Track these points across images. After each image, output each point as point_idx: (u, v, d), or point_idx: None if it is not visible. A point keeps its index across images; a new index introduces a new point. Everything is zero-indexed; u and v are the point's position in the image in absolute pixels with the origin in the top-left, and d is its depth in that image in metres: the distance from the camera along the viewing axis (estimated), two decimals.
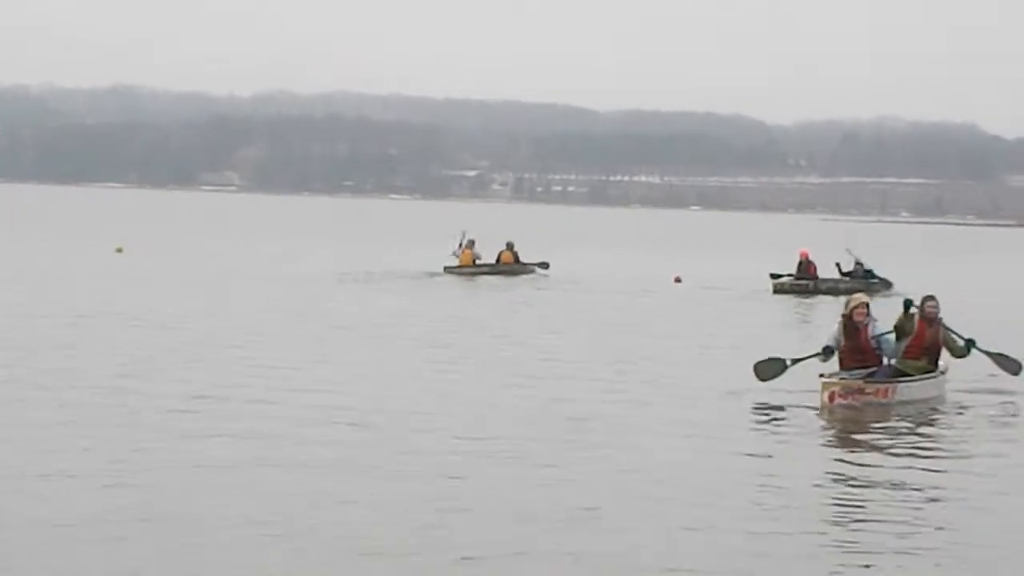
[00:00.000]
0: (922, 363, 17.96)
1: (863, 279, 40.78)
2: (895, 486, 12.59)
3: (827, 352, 17.59)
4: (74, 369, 18.93)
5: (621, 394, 17.96)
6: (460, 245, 45.94)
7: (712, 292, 39.64)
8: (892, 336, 17.68)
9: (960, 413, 17.11)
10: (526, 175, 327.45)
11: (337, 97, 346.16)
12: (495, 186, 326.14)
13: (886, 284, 40.59)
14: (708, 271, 51.57)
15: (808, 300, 37.28)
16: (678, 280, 43.70)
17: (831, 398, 16.65)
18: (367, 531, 10.65)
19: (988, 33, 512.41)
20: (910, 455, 14.27)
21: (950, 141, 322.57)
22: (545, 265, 46.97)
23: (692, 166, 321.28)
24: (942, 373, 18.09)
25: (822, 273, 41.01)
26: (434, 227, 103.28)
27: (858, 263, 41.51)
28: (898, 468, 13.50)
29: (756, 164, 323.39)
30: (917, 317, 18.06)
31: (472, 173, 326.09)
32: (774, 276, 40.43)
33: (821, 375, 17.13)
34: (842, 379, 17.09)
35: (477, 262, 45.51)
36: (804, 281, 39.95)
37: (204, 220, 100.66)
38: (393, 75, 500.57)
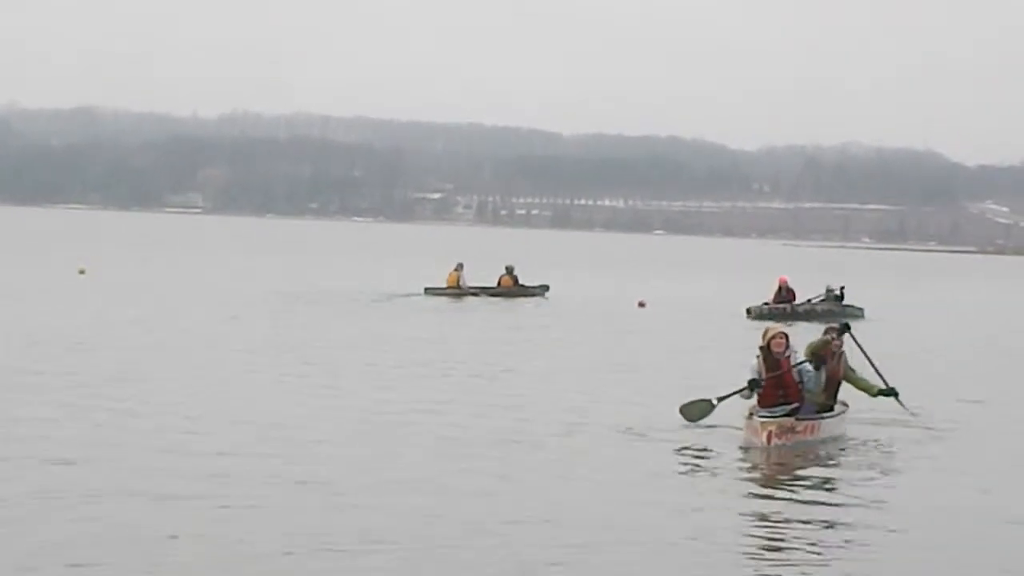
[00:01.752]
0: (821, 398, 17.25)
1: (837, 303, 40.59)
2: (837, 526, 12.15)
3: (753, 385, 16.61)
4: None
5: (545, 426, 17.20)
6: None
7: (685, 317, 39.42)
8: (811, 366, 16.91)
9: (874, 447, 16.53)
10: (490, 198, 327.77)
11: (301, 119, 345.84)
12: (459, 209, 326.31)
13: (857, 311, 40.16)
14: (684, 295, 51.35)
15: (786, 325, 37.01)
16: (642, 305, 43.01)
17: (768, 438, 15.77)
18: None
19: (950, 61, 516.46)
20: (841, 494, 13.73)
21: (912, 167, 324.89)
22: (545, 288, 46.73)
23: (656, 190, 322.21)
24: (845, 406, 17.48)
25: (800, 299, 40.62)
26: (403, 249, 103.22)
27: (830, 289, 41.21)
28: (837, 511, 12.89)
29: (719, 189, 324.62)
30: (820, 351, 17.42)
31: (436, 196, 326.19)
32: (751, 312, 39.38)
33: (752, 414, 16.30)
34: (772, 417, 16.19)
35: (463, 285, 45.10)
36: (782, 305, 39.58)
37: (167, 242, 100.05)
38: (358, 98, 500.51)
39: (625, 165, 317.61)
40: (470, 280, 45.87)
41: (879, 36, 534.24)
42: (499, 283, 46.17)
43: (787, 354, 16.52)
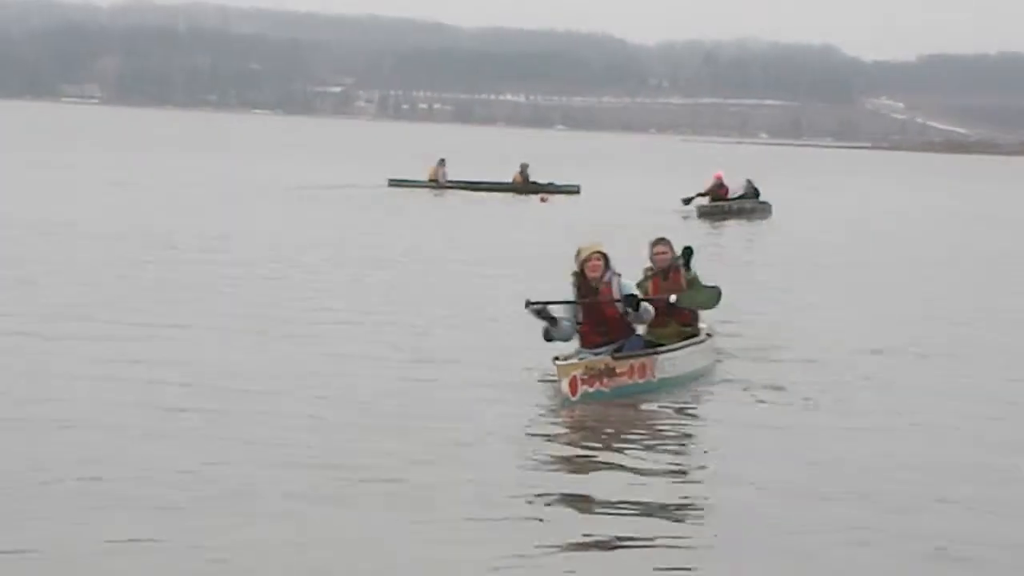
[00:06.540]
0: (671, 329, 13.45)
1: (754, 199, 39.25)
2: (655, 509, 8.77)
3: (529, 307, 12.41)
4: None
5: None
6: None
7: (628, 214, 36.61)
8: (631, 281, 12.92)
9: (741, 389, 12.73)
10: (391, 92, 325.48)
11: (198, 9, 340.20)
12: (360, 103, 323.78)
13: (767, 208, 39.27)
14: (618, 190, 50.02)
15: (724, 223, 35.73)
16: (543, 200, 41.75)
17: (573, 387, 11.71)
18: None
19: None
20: (676, 469, 9.89)
21: (809, 63, 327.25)
22: (574, 188, 45.34)
23: (556, 86, 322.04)
24: (709, 336, 13.58)
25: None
26: (326, 144, 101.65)
27: (749, 183, 39.68)
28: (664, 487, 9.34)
29: (619, 84, 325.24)
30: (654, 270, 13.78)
31: (336, 89, 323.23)
32: (686, 201, 38.24)
33: (556, 358, 12.11)
34: (583, 359, 12.21)
35: (442, 179, 44.49)
36: (721, 203, 38.09)
37: (63, 132, 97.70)
38: None
39: (525, 60, 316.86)
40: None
41: None
42: (512, 180, 45.56)
43: (607, 279, 12.61)
